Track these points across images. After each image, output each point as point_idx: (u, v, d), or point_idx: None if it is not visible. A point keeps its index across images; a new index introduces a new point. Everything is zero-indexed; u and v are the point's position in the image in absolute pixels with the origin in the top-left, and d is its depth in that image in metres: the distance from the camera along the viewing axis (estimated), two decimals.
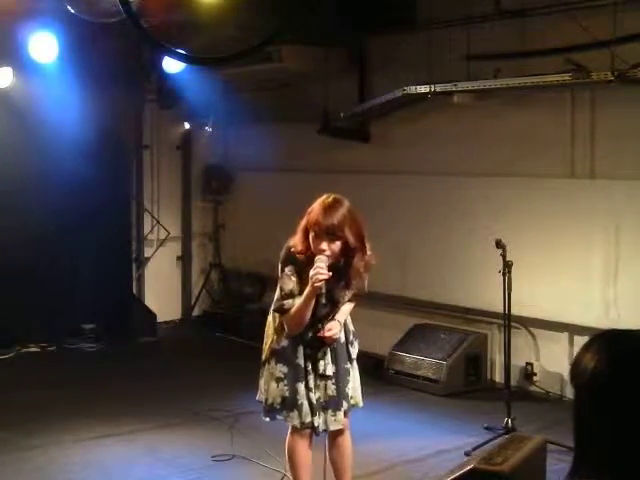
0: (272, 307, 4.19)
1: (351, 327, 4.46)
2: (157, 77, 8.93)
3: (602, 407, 1.58)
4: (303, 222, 4.11)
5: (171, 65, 8.03)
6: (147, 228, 9.48)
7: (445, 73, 6.94)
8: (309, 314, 4.07)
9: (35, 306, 8.23)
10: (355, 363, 4.39)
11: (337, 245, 4.03)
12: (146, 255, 9.48)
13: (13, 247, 8.13)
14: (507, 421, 5.74)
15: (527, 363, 6.91)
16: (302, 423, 4.19)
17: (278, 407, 4.19)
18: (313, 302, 4.04)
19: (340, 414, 4.27)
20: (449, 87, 6.76)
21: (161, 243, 9.58)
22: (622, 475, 1.56)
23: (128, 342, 8.56)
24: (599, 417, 1.59)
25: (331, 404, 4.23)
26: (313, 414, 4.19)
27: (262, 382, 4.25)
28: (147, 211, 9.46)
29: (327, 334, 4.18)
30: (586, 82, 6.06)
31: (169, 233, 9.61)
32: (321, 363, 4.20)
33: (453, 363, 6.90)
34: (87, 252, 8.43)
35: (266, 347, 4.24)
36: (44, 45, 7.37)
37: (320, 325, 4.20)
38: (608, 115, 6.45)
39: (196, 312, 9.79)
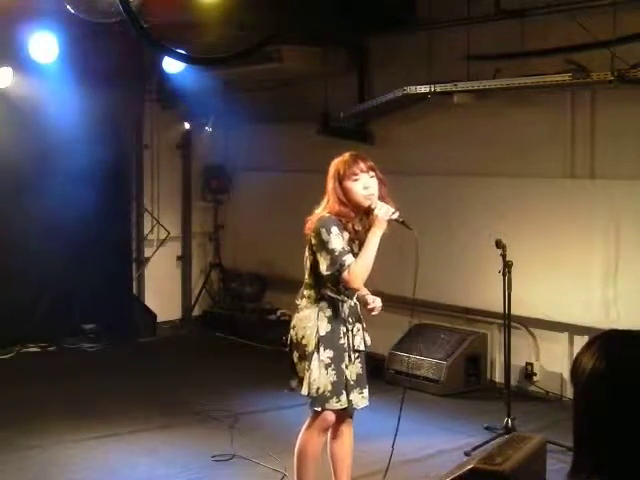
0: (326, 271, 4.07)
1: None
2: (157, 77, 8.93)
3: (601, 406, 1.58)
4: (333, 184, 4.18)
5: (171, 65, 8.03)
6: (147, 228, 9.47)
7: (445, 73, 6.94)
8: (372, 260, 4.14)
9: (35, 306, 8.23)
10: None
11: (376, 183, 4.18)
12: (146, 255, 9.47)
13: (12, 247, 8.13)
14: (507, 421, 5.74)
15: (527, 363, 6.91)
16: (349, 403, 4.22)
17: (329, 394, 4.16)
18: (377, 244, 4.13)
19: (366, 392, 4.32)
20: (449, 87, 6.76)
21: (161, 243, 9.58)
22: (621, 475, 1.56)
23: (128, 342, 8.56)
24: (598, 417, 1.59)
25: (360, 382, 4.28)
26: (347, 391, 4.21)
27: (309, 374, 4.13)
28: (147, 211, 9.46)
29: (374, 305, 4.23)
30: (586, 82, 6.06)
31: (169, 233, 9.61)
32: (357, 338, 4.26)
33: (453, 363, 6.90)
34: (87, 252, 8.43)
35: (310, 335, 4.14)
36: (44, 45, 7.37)
37: (352, 302, 4.22)
38: (608, 115, 6.45)
39: (196, 312, 9.79)
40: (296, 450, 4.32)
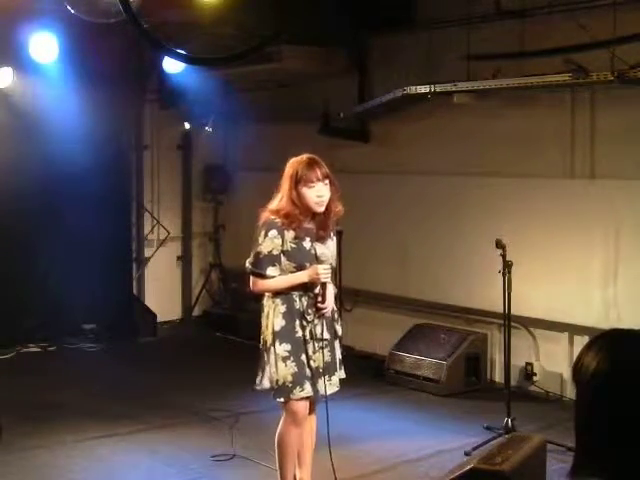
0: (247, 265, 4.48)
1: (335, 307, 4.67)
2: (157, 77, 8.93)
3: (603, 406, 1.58)
4: (288, 185, 4.46)
5: (171, 65, 8.03)
6: (147, 228, 9.48)
7: (445, 73, 6.94)
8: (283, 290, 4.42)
9: (35, 306, 8.23)
10: (338, 341, 4.62)
11: (329, 190, 4.41)
12: (146, 255, 9.47)
13: (13, 247, 8.13)
14: (507, 421, 5.74)
15: (527, 363, 6.91)
16: (315, 392, 4.38)
17: (290, 385, 4.33)
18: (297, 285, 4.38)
19: (335, 378, 4.49)
20: (449, 87, 6.75)
21: (161, 243, 9.58)
22: (622, 475, 1.56)
23: (128, 342, 8.56)
24: (600, 416, 1.59)
25: (328, 369, 4.43)
26: (315, 381, 4.37)
27: (268, 367, 4.38)
28: (147, 211, 9.46)
29: (323, 311, 4.43)
30: (586, 82, 6.06)
31: (169, 233, 9.61)
32: (318, 328, 4.41)
33: (453, 363, 6.90)
34: (87, 252, 8.43)
35: (267, 331, 4.41)
36: (44, 45, 7.37)
37: (312, 294, 4.41)
38: (608, 115, 6.45)
39: (196, 312, 9.79)
40: (275, 442, 4.52)
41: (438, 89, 6.78)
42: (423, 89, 6.87)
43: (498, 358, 7.13)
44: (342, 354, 4.64)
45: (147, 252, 9.49)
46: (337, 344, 4.56)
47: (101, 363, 7.91)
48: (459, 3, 6.85)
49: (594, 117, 6.53)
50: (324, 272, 4.34)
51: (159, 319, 9.17)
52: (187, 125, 9.55)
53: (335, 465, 4.54)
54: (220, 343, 8.84)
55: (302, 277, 4.36)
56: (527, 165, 6.93)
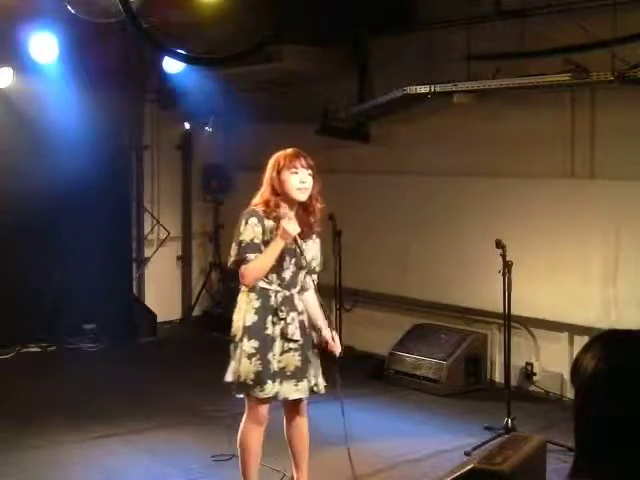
0: (231, 259, 4.32)
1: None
2: (157, 77, 8.93)
3: (602, 407, 1.58)
4: (270, 174, 4.37)
5: (171, 65, 8.03)
6: (147, 228, 9.48)
7: (445, 73, 6.94)
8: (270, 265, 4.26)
9: (35, 306, 8.23)
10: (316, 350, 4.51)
11: (312, 181, 4.34)
12: (146, 255, 9.47)
13: (12, 247, 8.13)
14: (507, 421, 5.74)
15: (527, 363, 6.91)
16: (277, 392, 4.29)
17: (251, 383, 4.26)
18: (278, 253, 4.24)
19: (302, 385, 4.35)
20: (449, 87, 6.76)
21: (161, 243, 9.58)
22: (622, 475, 1.56)
23: (128, 342, 8.56)
24: (599, 417, 1.59)
25: (296, 374, 4.33)
26: (274, 381, 4.27)
27: (233, 362, 4.33)
28: (147, 211, 9.46)
29: (334, 349, 4.41)
30: (586, 82, 6.06)
31: (169, 233, 9.61)
32: (290, 328, 4.32)
33: (453, 363, 6.90)
34: (87, 252, 8.43)
35: (238, 325, 4.36)
36: (44, 45, 7.37)
37: (288, 292, 4.33)
38: (608, 115, 6.45)
39: (196, 312, 9.79)
40: (237, 442, 4.46)
41: (438, 89, 6.78)
42: (423, 89, 6.87)
43: (498, 358, 7.13)
44: (340, 355, 4.49)
45: (147, 252, 9.49)
46: (316, 352, 4.44)
47: (101, 363, 7.91)
48: (459, 3, 6.85)
49: (594, 117, 6.54)
50: (292, 225, 4.20)
51: (159, 319, 9.17)
52: (187, 125, 9.56)
53: (334, 465, 4.54)
54: (220, 343, 8.80)
55: (278, 242, 4.22)
56: (527, 165, 6.93)
